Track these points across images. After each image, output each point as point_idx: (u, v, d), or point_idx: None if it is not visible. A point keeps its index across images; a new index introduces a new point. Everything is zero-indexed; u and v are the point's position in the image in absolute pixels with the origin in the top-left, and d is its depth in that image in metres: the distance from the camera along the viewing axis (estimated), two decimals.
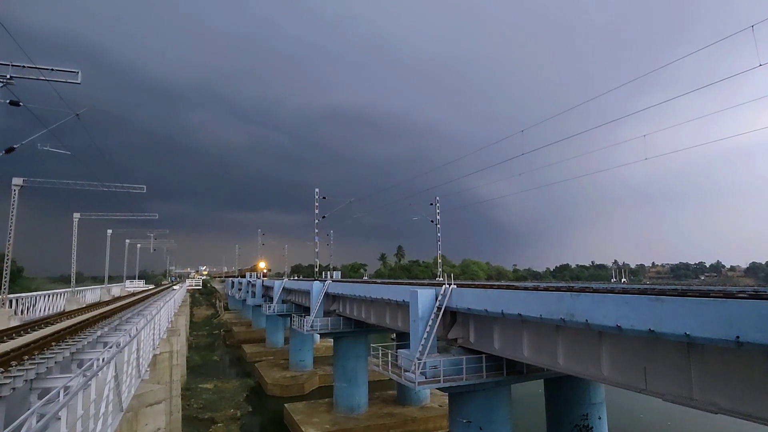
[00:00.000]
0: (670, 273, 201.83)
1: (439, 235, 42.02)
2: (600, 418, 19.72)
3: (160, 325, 20.93)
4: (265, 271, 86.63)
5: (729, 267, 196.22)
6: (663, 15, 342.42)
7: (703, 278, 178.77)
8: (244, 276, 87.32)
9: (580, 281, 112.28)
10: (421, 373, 16.73)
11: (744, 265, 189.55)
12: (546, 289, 14.37)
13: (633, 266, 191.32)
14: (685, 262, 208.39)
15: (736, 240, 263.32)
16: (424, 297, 18.05)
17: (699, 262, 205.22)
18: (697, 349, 9.58)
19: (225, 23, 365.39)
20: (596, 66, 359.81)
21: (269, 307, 48.79)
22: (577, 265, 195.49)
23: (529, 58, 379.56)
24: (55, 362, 11.12)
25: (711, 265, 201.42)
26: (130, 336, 13.23)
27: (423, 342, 17.31)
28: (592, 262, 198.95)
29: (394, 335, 36.42)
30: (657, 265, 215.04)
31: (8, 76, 19.07)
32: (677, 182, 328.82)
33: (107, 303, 35.34)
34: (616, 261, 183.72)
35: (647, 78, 17.68)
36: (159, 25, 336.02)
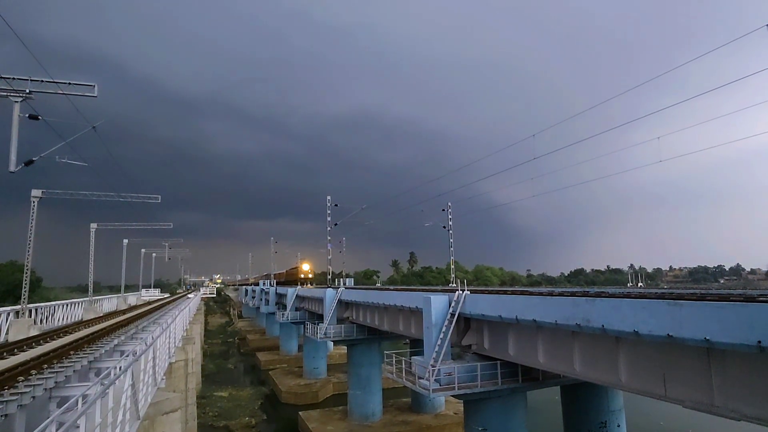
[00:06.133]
0: (688, 277, 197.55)
1: (451, 240, 41.82)
2: (619, 426, 19.35)
3: (176, 334, 21.12)
4: (310, 275, 64.49)
5: (749, 270, 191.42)
6: (673, 16, 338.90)
7: (722, 282, 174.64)
8: (257, 284, 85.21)
9: (596, 286, 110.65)
10: (435, 380, 16.62)
11: (765, 267, 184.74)
12: (561, 295, 14.19)
13: (650, 270, 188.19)
14: (703, 265, 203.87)
15: (756, 243, 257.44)
16: (437, 303, 17.97)
17: (718, 266, 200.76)
18: (717, 355, 9.37)
19: (235, 36, 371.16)
20: (606, 69, 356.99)
21: (283, 314, 48.95)
22: (592, 269, 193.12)
23: (536, 61, 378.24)
24: (74, 371, 11.27)
25: (731, 268, 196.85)
26: (146, 344, 13.36)
27: (437, 349, 17.20)
28: (608, 267, 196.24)
29: (408, 341, 36.27)
30: (675, 268, 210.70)
31: (27, 91, 19.60)
32: (694, 185, 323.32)
33: (124, 312, 35.79)
34: (632, 265, 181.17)
35: (660, 80, 17.48)
36: (174, 39, 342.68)
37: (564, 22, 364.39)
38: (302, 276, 63.66)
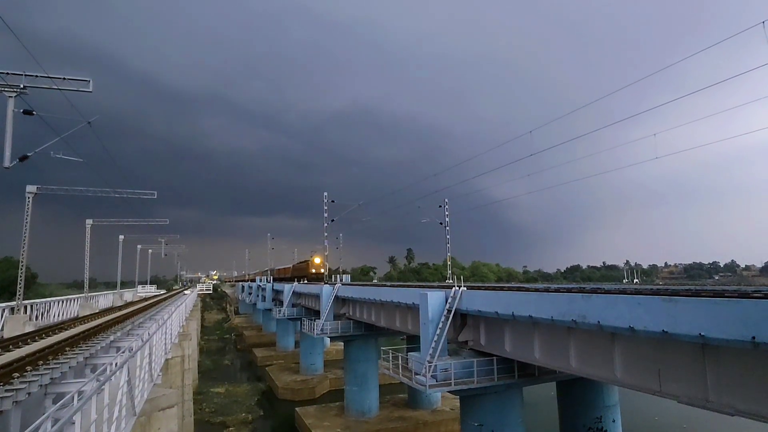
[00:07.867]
0: (683, 273, 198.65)
1: (448, 237, 41.91)
2: (614, 421, 19.49)
3: (172, 330, 21.09)
4: (322, 269, 53.83)
5: (744, 266, 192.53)
6: (673, 13, 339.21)
7: (717, 278, 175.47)
8: (254, 280, 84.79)
9: (592, 282, 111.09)
10: (431, 376, 16.65)
11: (759, 264, 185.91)
12: (557, 291, 14.24)
13: (645, 266, 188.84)
14: (698, 261, 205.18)
15: (751, 239, 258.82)
16: (434, 299, 17.98)
17: (713, 262, 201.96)
18: (712, 350, 9.42)
19: (233, 29, 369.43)
20: (604, 65, 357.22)
21: (279, 311, 48.93)
22: (588, 266, 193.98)
23: (535, 58, 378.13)
24: (69, 367, 11.24)
25: (725, 265, 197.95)
26: (142, 341, 13.34)
27: (433, 345, 17.22)
28: (604, 263, 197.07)
29: (404, 338, 36.35)
30: (670, 265, 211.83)
31: (21, 86, 19.42)
32: (690, 181, 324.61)
33: (120, 308, 35.69)
34: (627, 261, 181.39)
35: (657, 76, 17.51)
36: (172, 33, 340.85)
37: (565, 17, 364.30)
38: (313, 271, 54.78)
